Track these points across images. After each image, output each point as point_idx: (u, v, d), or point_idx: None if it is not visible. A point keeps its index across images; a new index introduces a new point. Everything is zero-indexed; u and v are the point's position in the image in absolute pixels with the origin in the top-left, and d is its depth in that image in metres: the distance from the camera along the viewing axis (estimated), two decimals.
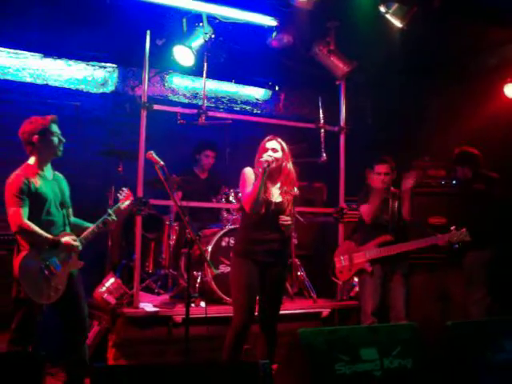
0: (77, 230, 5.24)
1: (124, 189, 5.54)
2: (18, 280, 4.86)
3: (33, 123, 5.10)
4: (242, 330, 5.20)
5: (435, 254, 7.11)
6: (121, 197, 5.45)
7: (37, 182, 5.00)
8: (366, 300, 6.45)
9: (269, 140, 5.46)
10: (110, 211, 5.29)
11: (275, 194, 5.39)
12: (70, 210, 5.33)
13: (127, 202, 5.45)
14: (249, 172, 5.44)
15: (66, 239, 5.02)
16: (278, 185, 5.44)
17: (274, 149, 5.40)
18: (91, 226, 5.22)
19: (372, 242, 6.46)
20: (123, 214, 6.29)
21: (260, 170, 5.27)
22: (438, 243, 6.25)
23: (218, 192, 7.77)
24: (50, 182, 5.14)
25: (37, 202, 4.97)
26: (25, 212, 4.90)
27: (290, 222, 5.33)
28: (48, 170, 5.17)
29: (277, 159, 5.36)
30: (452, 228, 6.13)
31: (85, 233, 5.18)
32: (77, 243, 5.06)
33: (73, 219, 5.34)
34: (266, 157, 5.31)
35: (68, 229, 5.18)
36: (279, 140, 5.47)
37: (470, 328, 4.43)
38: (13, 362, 3.54)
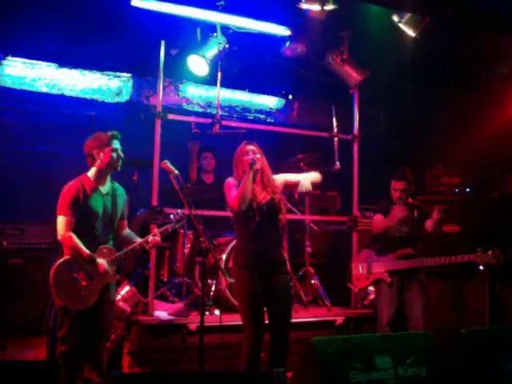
0: (127, 243, 5.41)
1: (179, 211, 5.67)
2: (52, 284, 5.04)
3: (95, 138, 5.27)
4: (254, 341, 5.19)
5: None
6: (173, 218, 5.58)
7: (89, 196, 5.17)
8: (382, 310, 6.43)
9: (247, 144, 5.52)
10: (156, 231, 5.46)
11: (261, 196, 5.40)
12: (124, 223, 5.50)
13: (178, 225, 5.61)
14: (232, 180, 5.49)
15: (100, 261, 5.13)
16: (261, 186, 5.46)
17: (254, 151, 5.46)
18: (134, 243, 5.36)
19: (393, 254, 6.44)
20: (138, 223, 6.34)
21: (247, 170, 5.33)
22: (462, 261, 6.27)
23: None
24: (104, 196, 5.27)
25: (85, 215, 5.13)
26: (71, 223, 5.07)
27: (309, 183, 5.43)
28: (105, 184, 5.31)
29: (259, 159, 5.42)
30: (478, 249, 6.11)
31: (126, 249, 5.34)
32: (108, 269, 5.16)
33: (126, 232, 5.49)
34: (251, 155, 5.38)
35: (111, 243, 5.30)
36: (255, 144, 5.54)
37: (484, 336, 4.42)
38: (29, 370, 3.56)
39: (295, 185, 5.59)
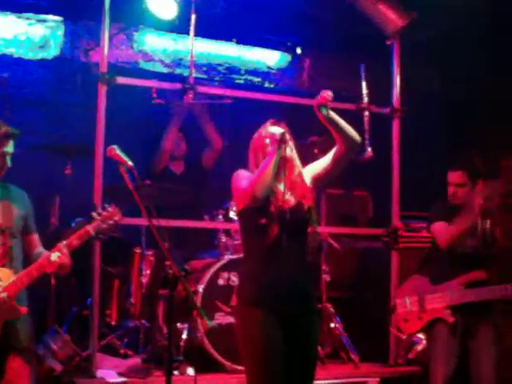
0: None
1: (106, 205, 5.53)
2: None
3: None
4: None
5: None
6: (95, 216, 5.45)
7: None
8: (437, 365, 6.42)
9: (273, 124, 5.43)
10: (61, 245, 5.28)
11: (285, 198, 5.27)
12: (33, 238, 5.54)
13: (105, 225, 5.42)
14: (245, 171, 5.36)
15: None
16: (287, 185, 5.32)
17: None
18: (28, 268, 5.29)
19: (456, 281, 6.42)
20: None
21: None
22: None
23: (202, 185, 7.82)
24: None
25: None
26: None
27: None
28: None
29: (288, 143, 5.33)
30: None
31: (19, 275, 5.23)
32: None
33: (38, 251, 5.47)
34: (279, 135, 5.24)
35: (12, 264, 5.26)
36: (286, 127, 5.40)
37: None
38: None
39: (324, 172, 5.44)
